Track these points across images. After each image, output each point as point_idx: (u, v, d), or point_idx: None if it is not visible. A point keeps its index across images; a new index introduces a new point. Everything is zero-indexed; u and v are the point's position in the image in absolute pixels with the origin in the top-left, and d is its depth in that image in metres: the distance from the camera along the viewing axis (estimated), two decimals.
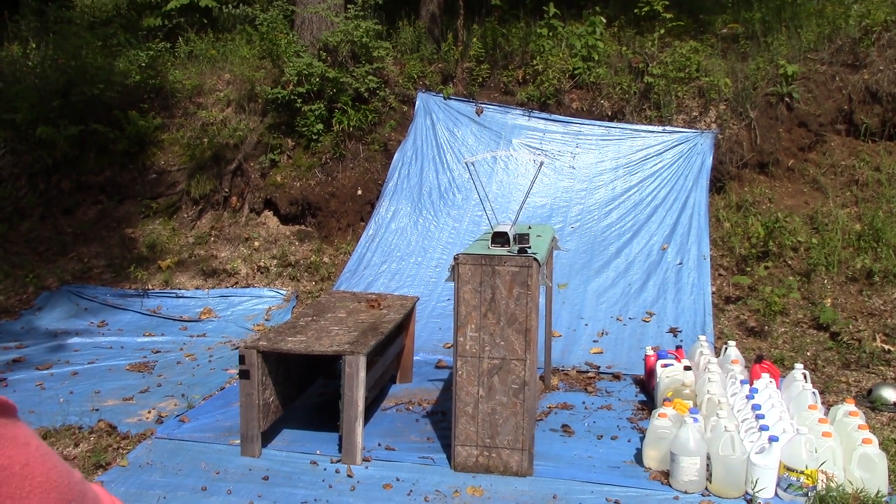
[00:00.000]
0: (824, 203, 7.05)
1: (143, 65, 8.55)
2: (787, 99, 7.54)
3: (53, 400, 4.86)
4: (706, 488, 3.64)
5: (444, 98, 8.18)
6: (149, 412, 4.68)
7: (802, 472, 3.48)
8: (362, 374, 3.93)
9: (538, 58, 8.18)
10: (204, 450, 4.11)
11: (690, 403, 4.13)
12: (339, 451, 4.01)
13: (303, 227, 7.83)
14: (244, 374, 3.97)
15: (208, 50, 9.25)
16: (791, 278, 6.33)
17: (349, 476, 3.83)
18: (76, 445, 4.13)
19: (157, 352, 5.95)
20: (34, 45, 9.18)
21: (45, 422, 4.39)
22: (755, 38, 8.18)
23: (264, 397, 4.04)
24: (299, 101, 7.91)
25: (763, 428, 3.65)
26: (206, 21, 10.00)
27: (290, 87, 7.93)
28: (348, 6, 8.48)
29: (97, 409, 4.70)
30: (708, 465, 3.63)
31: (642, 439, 4.05)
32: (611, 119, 7.88)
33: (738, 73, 7.73)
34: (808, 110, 7.52)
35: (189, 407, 4.70)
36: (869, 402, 4.78)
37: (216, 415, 4.58)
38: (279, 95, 7.94)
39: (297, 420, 4.53)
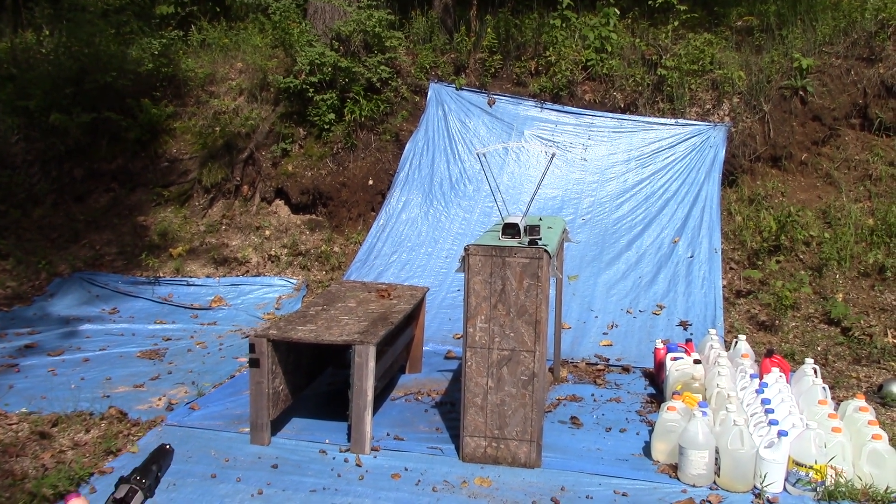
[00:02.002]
0: (837, 197, 7.01)
1: (156, 53, 8.57)
2: (801, 92, 7.49)
3: (65, 386, 4.90)
4: (714, 482, 3.64)
5: (457, 89, 8.17)
6: (159, 399, 4.71)
7: (811, 467, 3.48)
8: (372, 363, 3.94)
9: (551, 49, 8.15)
10: (214, 437, 4.14)
11: (700, 397, 4.13)
12: (348, 440, 4.03)
13: (314, 216, 7.84)
14: (254, 363, 3.98)
15: (221, 38, 9.27)
16: (803, 273, 6.29)
17: (358, 465, 3.85)
18: (87, 431, 4.17)
19: (168, 339, 5.99)
20: (48, 33, 9.21)
21: (56, 408, 4.44)
22: (770, 31, 8.12)
23: (274, 386, 4.06)
24: (311, 90, 7.92)
25: (772, 422, 3.65)
26: (218, 9, 10.01)
27: (303, 76, 7.94)
28: None
29: (108, 396, 4.73)
30: (716, 458, 3.62)
31: (651, 432, 4.05)
32: (623, 111, 7.85)
33: (752, 66, 7.68)
34: (823, 104, 7.47)
35: (199, 395, 4.73)
36: (879, 397, 4.77)
37: (226, 403, 4.61)
38: (291, 84, 7.95)
39: (306, 409, 4.55)
